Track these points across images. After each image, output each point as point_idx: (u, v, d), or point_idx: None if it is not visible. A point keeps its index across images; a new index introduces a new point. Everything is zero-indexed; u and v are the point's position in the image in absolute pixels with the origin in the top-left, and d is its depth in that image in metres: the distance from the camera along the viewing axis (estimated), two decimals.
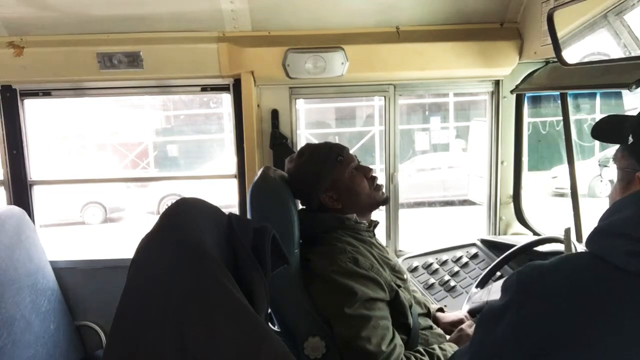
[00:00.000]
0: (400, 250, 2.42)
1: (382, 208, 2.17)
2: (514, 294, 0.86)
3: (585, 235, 1.89)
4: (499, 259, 1.84)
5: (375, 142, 9.10)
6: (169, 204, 1.16)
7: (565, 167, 2.21)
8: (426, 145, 9.79)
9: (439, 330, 1.61)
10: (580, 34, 1.72)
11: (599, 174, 2.14)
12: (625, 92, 2.00)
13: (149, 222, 1.08)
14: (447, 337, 1.58)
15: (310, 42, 2.12)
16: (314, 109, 9.26)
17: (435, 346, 1.46)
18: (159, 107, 9.96)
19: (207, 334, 0.90)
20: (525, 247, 1.81)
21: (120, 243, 6.96)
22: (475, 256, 2.20)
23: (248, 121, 2.19)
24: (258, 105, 2.24)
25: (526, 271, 0.88)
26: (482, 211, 2.50)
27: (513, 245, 1.85)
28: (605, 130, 1.01)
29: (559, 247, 1.70)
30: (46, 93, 2.32)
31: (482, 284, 1.80)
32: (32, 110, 2.38)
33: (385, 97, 2.31)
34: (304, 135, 7.36)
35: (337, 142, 1.65)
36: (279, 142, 2.25)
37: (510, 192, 2.40)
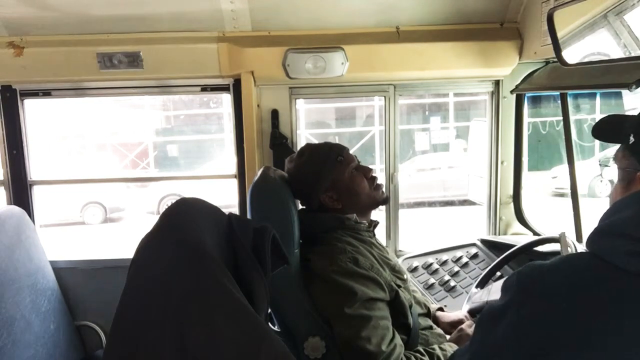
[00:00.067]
0: (400, 250, 2.42)
1: (382, 208, 2.17)
2: (514, 294, 0.86)
3: (585, 235, 1.89)
4: (499, 259, 1.83)
5: (375, 142, 9.09)
6: (169, 204, 1.16)
7: (565, 167, 2.21)
8: (426, 145, 9.79)
9: (439, 330, 1.61)
10: (580, 34, 1.72)
11: (599, 174, 2.14)
12: (625, 92, 2.01)
13: (149, 222, 1.08)
14: (447, 337, 1.58)
15: (310, 42, 2.12)
16: (314, 109, 9.25)
17: (435, 346, 1.46)
18: (159, 107, 9.96)
19: (207, 334, 0.90)
20: (525, 247, 1.81)
21: (120, 243, 6.96)
22: (475, 256, 2.20)
23: (248, 121, 2.19)
24: (258, 105, 2.24)
25: (526, 271, 0.88)
26: (482, 211, 2.50)
27: (513, 246, 1.85)
28: (605, 130, 1.02)
29: (559, 247, 1.70)
30: (46, 93, 2.32)
31: (482, 284, 1.80)
32: (32, 110, 2.38)
33: (385, 97, 2.31)
34: (304, 135, 7.35)
35: (337, 142, 1.65)
36: (279, 142, 2.25)
37: (510, 192, 2.40)
